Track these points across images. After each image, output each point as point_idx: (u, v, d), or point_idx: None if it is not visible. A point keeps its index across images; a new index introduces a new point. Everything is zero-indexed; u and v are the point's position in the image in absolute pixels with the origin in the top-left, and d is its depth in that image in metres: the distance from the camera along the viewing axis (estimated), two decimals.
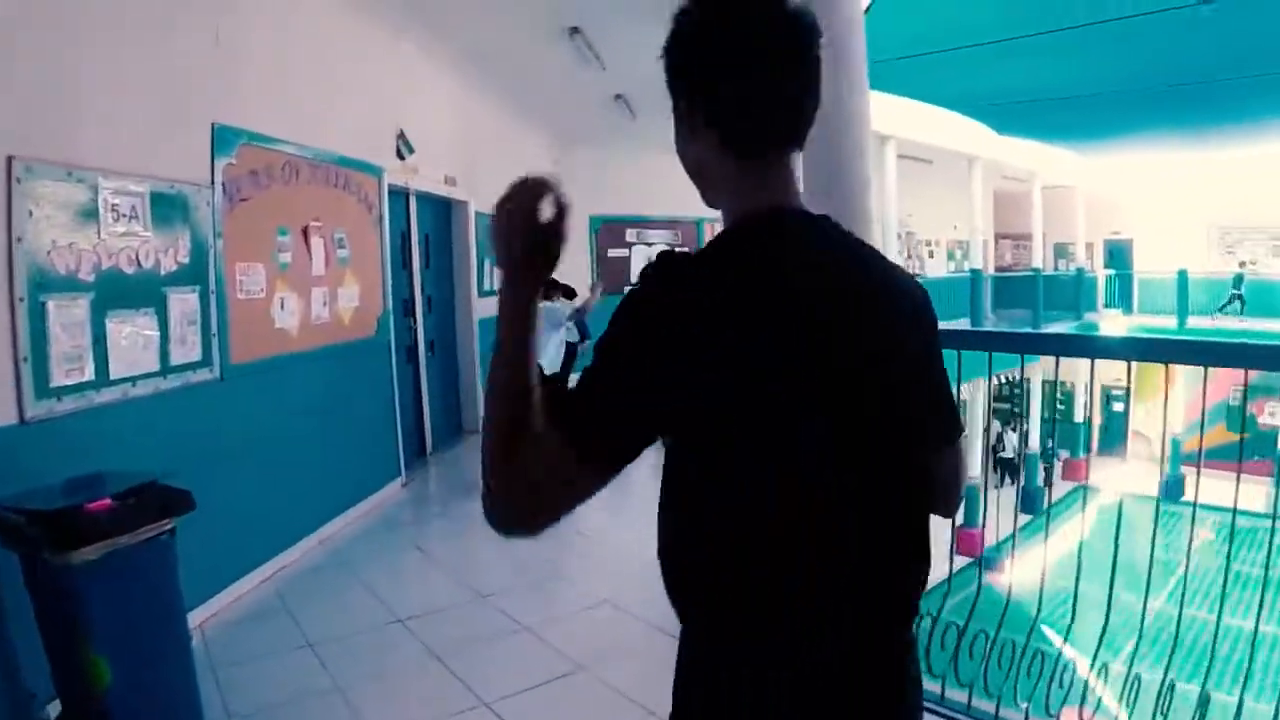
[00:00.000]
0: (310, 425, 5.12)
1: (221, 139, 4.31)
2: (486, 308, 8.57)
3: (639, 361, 0.95)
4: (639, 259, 12.21)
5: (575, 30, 6.67)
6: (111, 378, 3.57)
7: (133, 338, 3.70)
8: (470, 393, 8.52)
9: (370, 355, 6.08)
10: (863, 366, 1.01)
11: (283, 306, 4.91)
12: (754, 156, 1.06)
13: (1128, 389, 14.20)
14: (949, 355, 1.41)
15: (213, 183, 4.24)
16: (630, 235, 12.84)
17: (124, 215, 3.65)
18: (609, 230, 12.74)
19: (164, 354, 3.88)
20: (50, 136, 3.29)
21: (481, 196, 8.53)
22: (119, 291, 3.61)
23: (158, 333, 3.85)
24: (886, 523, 1.04)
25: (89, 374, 3.46)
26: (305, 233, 5.16)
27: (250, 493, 4.44)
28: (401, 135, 6.60)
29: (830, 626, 1.00)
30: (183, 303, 4.01)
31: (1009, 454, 15.19)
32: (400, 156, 6.62)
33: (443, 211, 8.22)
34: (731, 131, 1.05)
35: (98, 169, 3.49)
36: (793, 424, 0.96)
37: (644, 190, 11.84)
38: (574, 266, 11.36)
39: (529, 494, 0.99)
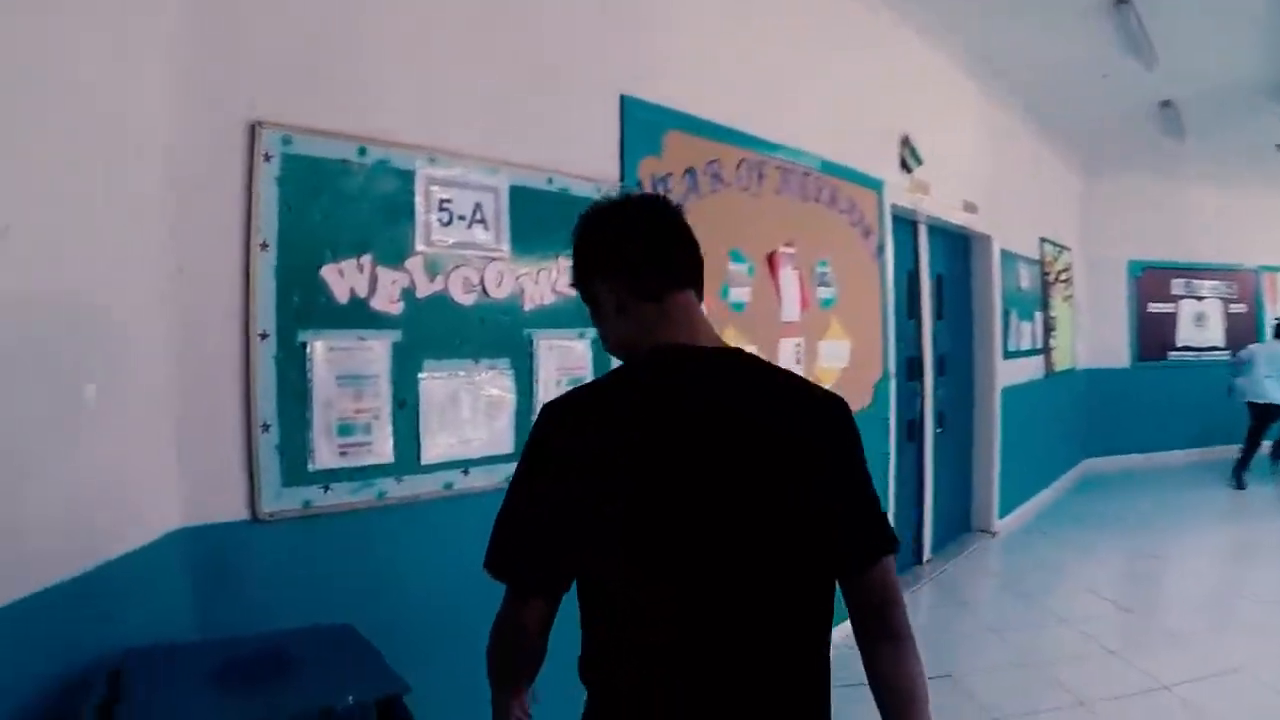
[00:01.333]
0: None
1: (636, 119, 2.90)
2: (1010, 372, 6.37)
3: (521, 496, 1.12)
4: (1186, 318, 9.53)
5: None
6: (425, 462, 2.28)
7: (475, 403, 2.39)
8: (985, 482, 6.14)
9: (861, 433, 4.12)
10: (688, 486, 1.06)
11: None
12: (653, 299, 1.20)
13: None
14: None
15: (622, 179, 2.81)
16: (1177, 286, 9.56)
17: (460, 218, 2.38)
18: (1152, 278, 9.39)
19: (522, 431, 2.51)
20: (330, 96, 2.16)
21: (1006, 232, 6.24)
22: (447, 330, 2.34)
23: (513, 395, 2.49)
24: (715, 645, 1.06)
25: (385, 454, 2.20)
26: (772, 261, 3.51)
27: None
28: (906, 141, 4.65)
29: None
30: (565, 353, 2.63)
31: None
32: (905, 168, 4.68)
33: (959, 247, 6.02)
34: (635, 283, 1.21)
35: (415, 147, 2.28)
36: (607, 542, 1.06)
37: (1189, 230, 9.20)
38: (1108, 322, 8.91)
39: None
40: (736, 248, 3.33)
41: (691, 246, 1.27)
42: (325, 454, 2.12)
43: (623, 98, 2.87)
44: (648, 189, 2.92)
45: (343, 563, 2.16)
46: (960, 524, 5.99)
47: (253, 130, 2.01)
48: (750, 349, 2.69)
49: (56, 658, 1.51)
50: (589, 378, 2.65)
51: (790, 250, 3.62)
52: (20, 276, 1.47)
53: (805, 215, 3.75)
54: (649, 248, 1.23)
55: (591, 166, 2.75)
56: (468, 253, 2.41)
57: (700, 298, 1.27)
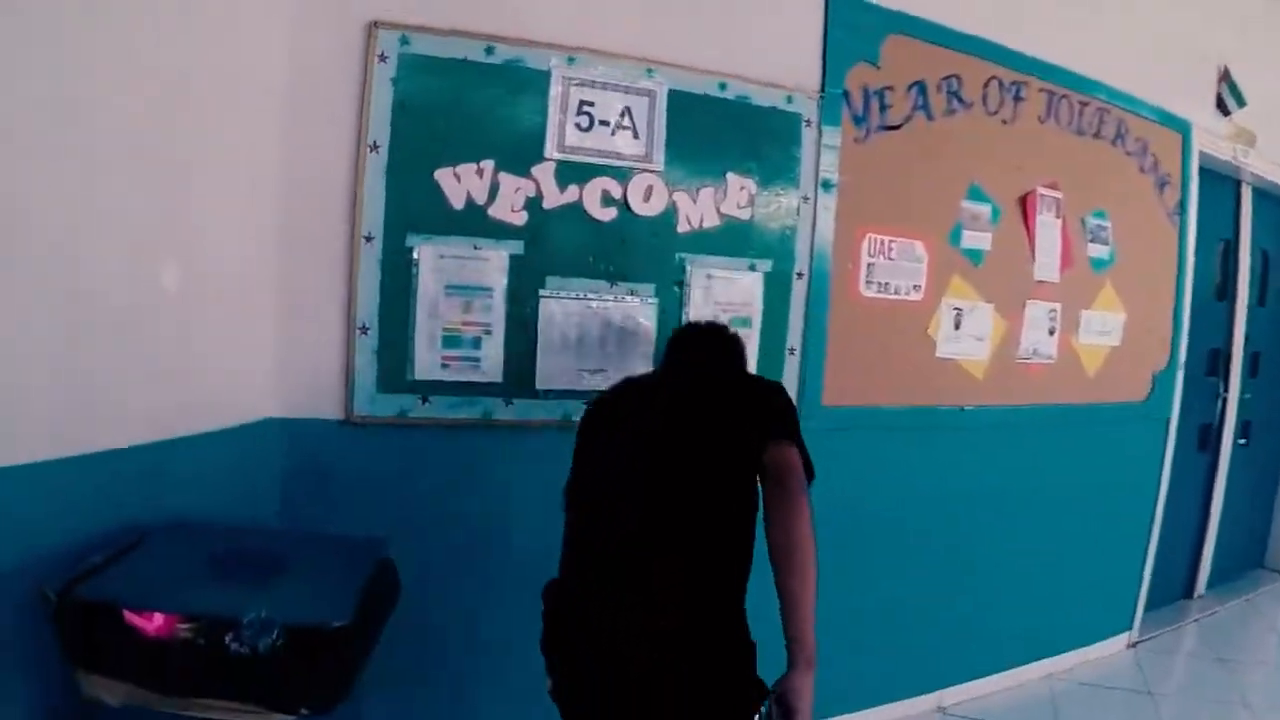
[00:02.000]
0: (961, 531, 2.79)
1: (845, 18, 2.39)
2: None
3: None
4: None
5: None
6: (540, 387, 2.07)
7: (598, 328, 2.14)
8: None
9: (1127, 432, 3.28)
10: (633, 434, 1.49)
11: (958, 324, 2.70)
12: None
13: None
14: None
15: (822, 90, 2.35)
16: None
17: (603, 124, 2.10)
18: None
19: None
20: None
21: None
22: (578, 246, 2.10)
23: (655, 327, 2.20)
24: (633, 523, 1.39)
25: (495, 373, 2.04)
26: (1027, 205, 2.83)
27: (837, 616, 2.43)
28: (1226, 76, 3.49)
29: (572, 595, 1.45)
30: (727, 286, 2.27)
31: None
32: (1223, 110, 3.53)
33: None
34: None
35: (552, 45, 2.04)
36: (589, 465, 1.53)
37: None
38: None
39: None
40: (977, 183, 2.69)
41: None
42: (426, 364, 1.99)
43: None
44: (857, 104, 2.42)
45: (433, 478, 2.04)
46: (1250, 558, 4.68)
47: (371, 30, 1.87)
48: (983, 308, 2.71)
49: (127, 508, 1.53)
50: (756, 319, 2.29)
51: (1053, 194, 2.88)
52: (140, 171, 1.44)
53: (1078, 153, 2.96)
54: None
55: (781, 72, 2.32)
56: (610, 162, 2.12)
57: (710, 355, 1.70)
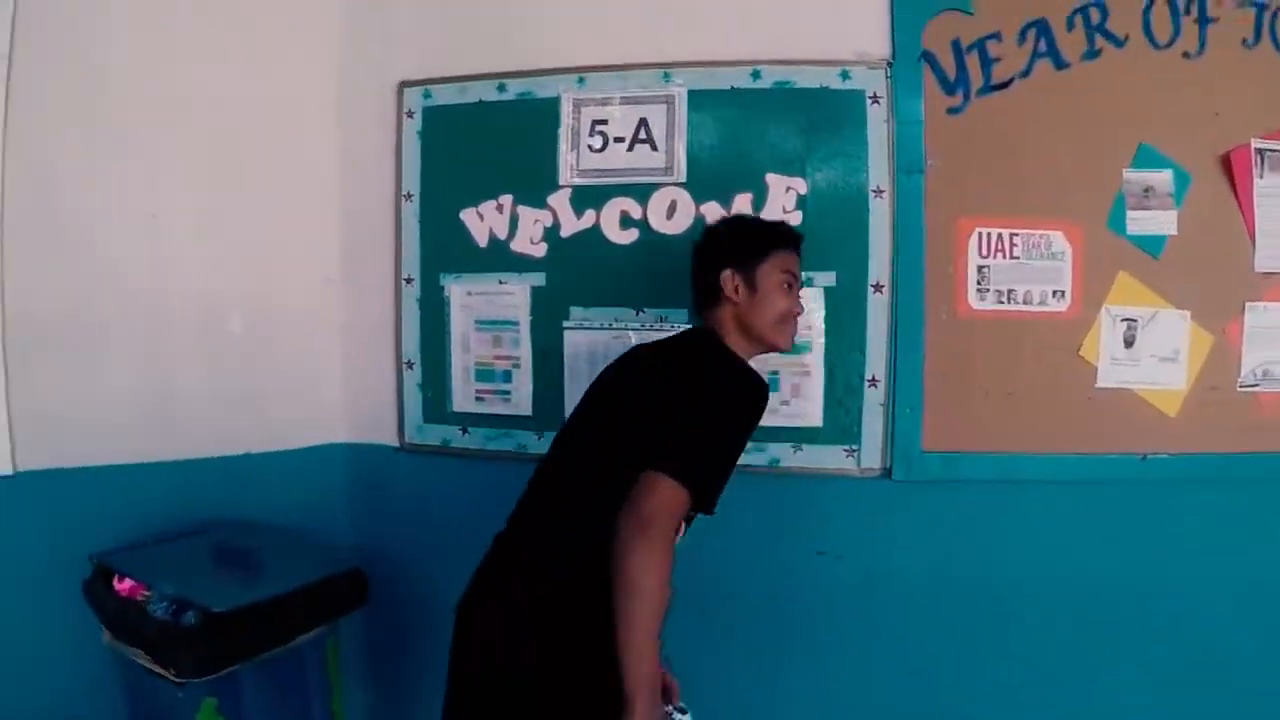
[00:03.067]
0: (1133, 635, 1.91)
1: None
2: None
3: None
4: None
5: None
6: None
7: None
8: None
9: None
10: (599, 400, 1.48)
11: (1131, 341, 1.90)
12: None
13: None
14: None
15: (892, 56, 1.93)
16: None
17: (617, 140, 2.04)
18: None
19: None
20: (468, 38, 2.11)
21: None
22: (597, 273, 2.05)
23: None
24: (551, 496, 1.42)
25: (524, 406, 2.12)
26: (1233, 165, 1.88)
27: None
28: None
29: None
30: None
31: None
32: None
33: None
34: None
35: (559, 70, 2.05)
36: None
37: None
38: None
39: None
40: (1149, 142, 1.91)
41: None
42: (462, 397, 2.12)
43: None
44: (947, 64, 1.92)
45: (473, 505, 2.11)
46: None
47: (400, 90, 2.08)
48: (1172, 316, 1.88)
49: (219, 507, 1.98)
50: (817, 344, 1.96)
51: (1277, 146, 1.91)
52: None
53: None
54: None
55: (832, 42, 1.94)
56: (627, 181, 2.01)
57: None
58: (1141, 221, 1.88)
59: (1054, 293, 1.91)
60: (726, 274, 1.47)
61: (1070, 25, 1.87)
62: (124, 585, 1.64)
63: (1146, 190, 1.88)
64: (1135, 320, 1.89)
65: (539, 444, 2.06)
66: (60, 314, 1.81)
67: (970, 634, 1.93)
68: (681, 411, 1.29)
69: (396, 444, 2.17)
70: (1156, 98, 1.87)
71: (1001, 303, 1.92)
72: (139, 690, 1.63)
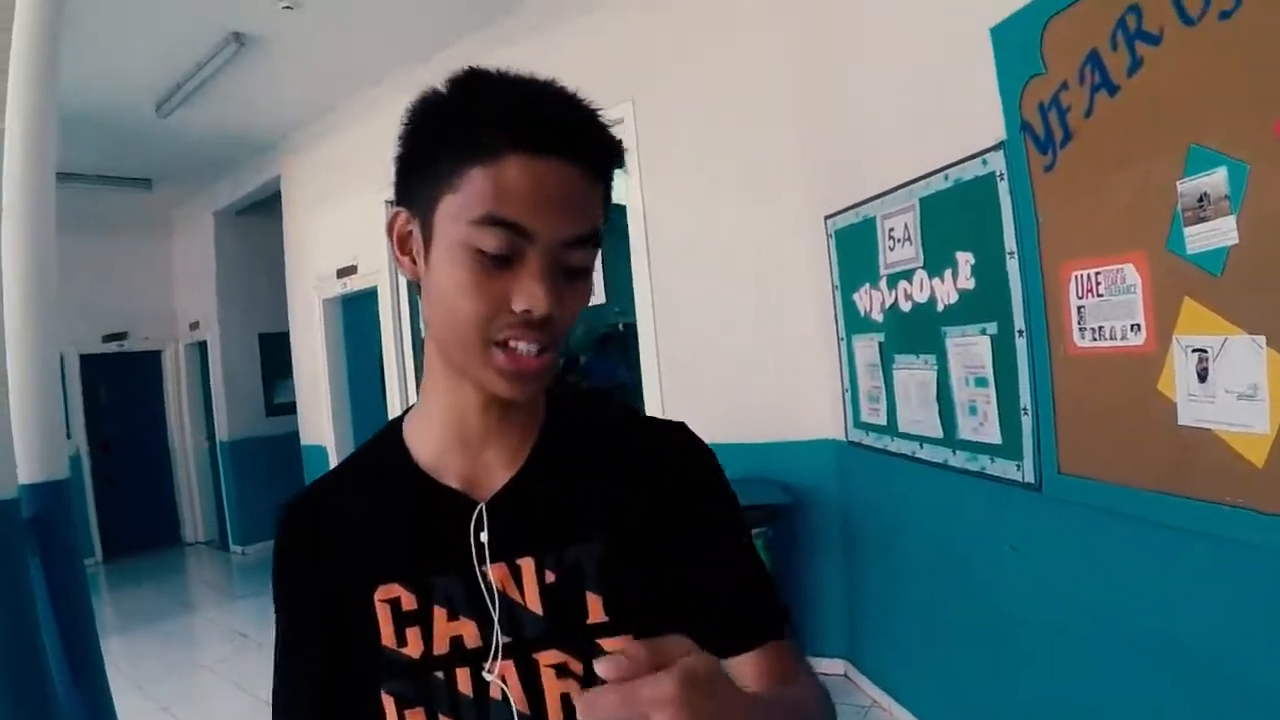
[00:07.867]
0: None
1: (1005, 37, 2.06)
2: None
3: None
4: None
5: None
6: (900, 429, 3.00)
7: (916, 390, 2.85)
8: None
9: None
10: None
11: (1204, 374, 1.56)
12: None
13: None
14: None
15: (1005, 137, 2.16)
16: None
17: (899, 240, 2.85)
18: None
19: (947, 420, 2.60)
20: (850, 188, 3.13)
21: None
22: (901, 332, 2.90)
23: (934, 390, 2.68)
24: None
25: (883, 418, 3.11)
26: None
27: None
28: None
29: None
30: (964, 350, 2.51)
31: None
32: None
33: None
34: None
35: (871, 198, 2.98)
36: None
37: None
38: None
39: None
40: (1199, 143, 1.48)
41: None
42: (865, 411, 3.19)
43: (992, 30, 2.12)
44: (1037, 127, 2.03)
45: (872, 479, 3.16)
46: None
47: (825, 221, 3.34)
48: (1242, 343, 1.52)
49: (784, 474, 3.78)
50: (991, 380, 2.41)
51: None
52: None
53: None
54: None
55: (975, 137, 2.27)
56: (901, 268, 2.78)
57: None
58: (1199, 237, 1.63)
59: (1131, 326, 1.82)
60: None
61: (1114, 44, 1.77)
62: None
63: (1201, 199, 1.62)
64: (1206, 351, 1.64)
65: (892, 444, 2.95)
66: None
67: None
68: None
69: (845, 439, 3.35)
70: (1200, 83, 1.57)
71: (1096, 340, 1.94)
72: None
